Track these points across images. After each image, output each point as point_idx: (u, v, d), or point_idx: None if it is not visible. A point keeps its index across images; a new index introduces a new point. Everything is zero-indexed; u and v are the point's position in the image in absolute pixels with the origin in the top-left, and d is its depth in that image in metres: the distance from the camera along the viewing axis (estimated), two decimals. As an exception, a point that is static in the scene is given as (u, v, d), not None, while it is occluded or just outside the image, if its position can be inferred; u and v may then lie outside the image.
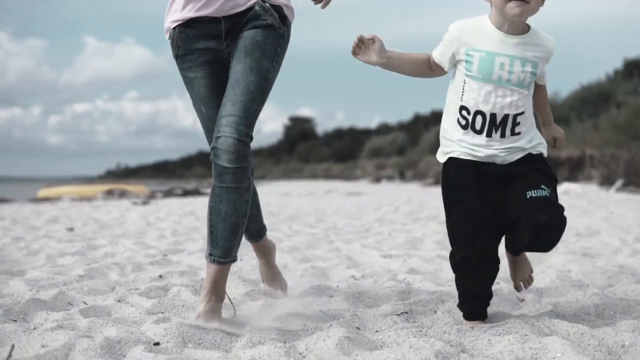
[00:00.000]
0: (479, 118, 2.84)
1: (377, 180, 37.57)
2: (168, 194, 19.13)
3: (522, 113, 2.85)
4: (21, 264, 4.93)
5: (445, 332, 2.77)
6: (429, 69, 3.00)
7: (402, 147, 54.92)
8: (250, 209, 3.11)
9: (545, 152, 2.96)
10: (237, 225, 3.00)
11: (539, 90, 3.00)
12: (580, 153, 25.07)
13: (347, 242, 6.30)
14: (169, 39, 3.19)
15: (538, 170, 2.88)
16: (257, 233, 3.56)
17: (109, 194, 18.02)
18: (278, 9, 3.13)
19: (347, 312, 3.24)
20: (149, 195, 18.08)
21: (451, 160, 2.92)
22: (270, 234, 6.47)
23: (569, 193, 17.42)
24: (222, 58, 3.14)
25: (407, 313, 3.10)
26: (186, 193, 19.18)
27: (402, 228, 7.67)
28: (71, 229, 7.73)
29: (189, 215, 10.34)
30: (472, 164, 2.87)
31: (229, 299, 3.17)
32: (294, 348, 2.59)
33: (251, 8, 3.09)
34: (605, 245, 5.86)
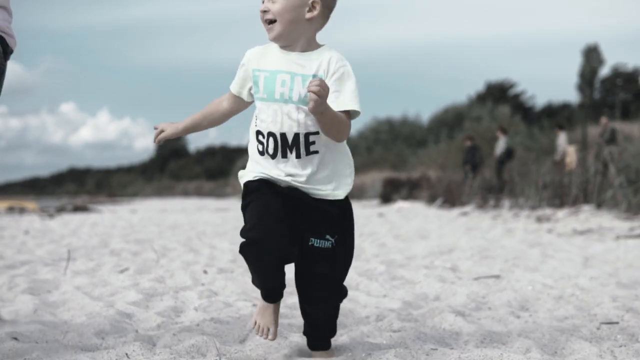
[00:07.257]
0: (271, 141, 2.78)
1: (247, 197, 39.59)
2: (61, 210, 20.52)
3: (317, 133, 2.77)
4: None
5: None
6: (228, 108, 2.99)
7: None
8: None
9: (345, 193, 2.87)
10: None
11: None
12: (420, 175, 28.83)
13: (211, 239, 9.82)
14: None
15: (328, 215, 2.85)
16: None
17: (10, 210, 19.11)
18: (2, 40, 2.98)
19: (205, 260, 6.77)
20: (39, 212, 18.75)
21: (248, 182, 2.85)
22: (157, 237, 9.92)
23: (401, 210, 20.03)
24: None
25: (235, 260, 6.63)
26: (76, 209, 20.80)
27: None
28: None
29: (94, 225, 13.56)
30: (270, 183, 2.81)
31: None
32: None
33: None
34: (378, 241, 9.64)
